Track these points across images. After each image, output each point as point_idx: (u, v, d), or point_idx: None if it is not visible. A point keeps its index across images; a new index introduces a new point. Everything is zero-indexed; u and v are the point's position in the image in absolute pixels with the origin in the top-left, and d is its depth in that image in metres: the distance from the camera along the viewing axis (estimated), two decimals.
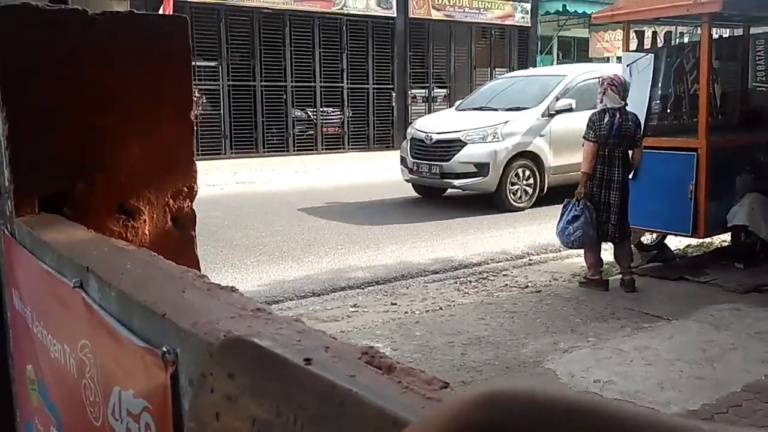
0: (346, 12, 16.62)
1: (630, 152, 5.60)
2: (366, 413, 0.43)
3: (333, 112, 17.06)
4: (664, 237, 6.68)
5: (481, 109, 10.66)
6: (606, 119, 5.50)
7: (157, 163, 1.52)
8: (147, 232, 1.53)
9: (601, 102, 5.58)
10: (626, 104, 5.62)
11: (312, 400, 0.48)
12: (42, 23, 1.39)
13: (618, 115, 5.52)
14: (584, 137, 5.66)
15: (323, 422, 0.46)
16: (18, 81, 1.38)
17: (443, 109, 18.85)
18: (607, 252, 6.00)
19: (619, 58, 15.77)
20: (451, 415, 0.31)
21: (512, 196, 9.63)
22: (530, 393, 0.30)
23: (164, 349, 0.79)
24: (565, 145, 9.56)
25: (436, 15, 18.20)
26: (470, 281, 6.12)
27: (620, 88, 5.58)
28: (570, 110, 9.79)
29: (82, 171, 1.44)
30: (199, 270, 1.14)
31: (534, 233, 8.04)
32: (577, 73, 10.60)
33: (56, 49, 1.40)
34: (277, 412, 0.50)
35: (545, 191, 9.76)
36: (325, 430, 0.46)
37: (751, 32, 7.52)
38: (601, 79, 5.76)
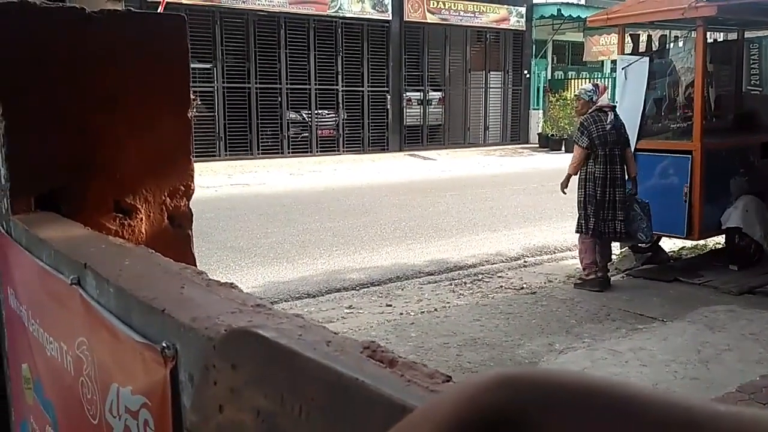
0: (341, 15, 16.61)
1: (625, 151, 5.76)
2: (374, 401, 0.43)
3: (328, 114, 17.04)
4: (659, 239, 6.70)
5: None
6: (608, 119, 5.62)
7: (154, 162, 1.51)
8: (143, 230, 1.52)
9: (607, 97, 5.86)
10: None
11: (318, 389, 0.47)
12: (40, 21, 1.39)
13: (613, 114, 5.70)
14: (576, 142, 5.74)
15: (329, 411, 0.46)
16: (15, 78, 1.38)
17: (438, 111, 18.93)
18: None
19: (613, 62, 15.81)
20: (464, 397, 0.29)
21: None
22: (546, 374, 0.30)
23: (164, 344, 0.78)
24: None
25: (431, 18, 18.21)
26: (465, 283, 6.12)
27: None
28: None
29: (78, 169, 1.43)
30: None
31: (529, 235, 8.05)
32: None
33: (54, 46, 1.40)
34: (282, 401, 0.49)
35: None
36: (331, 419, 0.45)
37: (745, 36, 7.55)
38: (593, 83, 6.07)
